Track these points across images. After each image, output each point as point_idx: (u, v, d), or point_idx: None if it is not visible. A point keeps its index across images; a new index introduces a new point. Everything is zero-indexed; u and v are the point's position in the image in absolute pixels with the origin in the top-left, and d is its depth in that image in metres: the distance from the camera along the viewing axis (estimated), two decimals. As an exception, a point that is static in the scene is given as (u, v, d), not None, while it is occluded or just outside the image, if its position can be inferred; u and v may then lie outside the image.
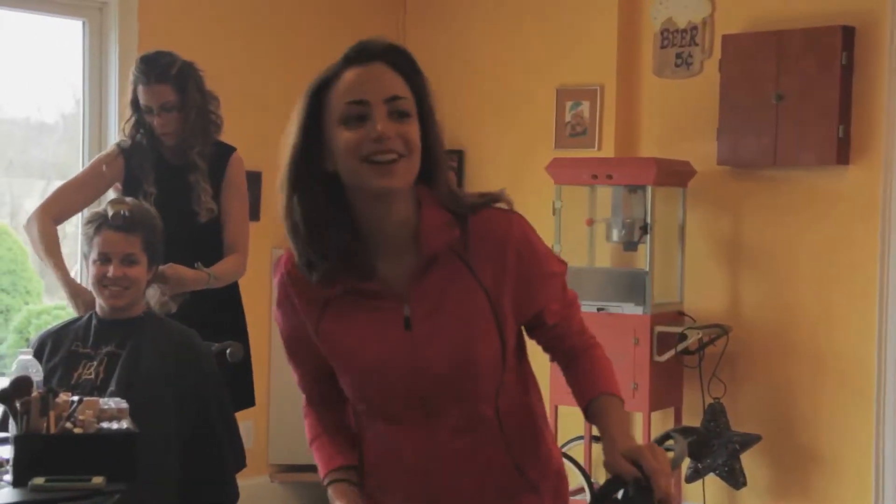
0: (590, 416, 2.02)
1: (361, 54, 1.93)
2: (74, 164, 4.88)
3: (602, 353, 2.10)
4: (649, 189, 4.82)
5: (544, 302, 2.03)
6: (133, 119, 3.82)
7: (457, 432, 1.98)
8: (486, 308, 1.96)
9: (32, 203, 4.78)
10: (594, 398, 2.01)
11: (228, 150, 3.90)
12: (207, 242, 3.79)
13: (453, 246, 1.96)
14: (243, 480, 3.35)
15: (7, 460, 2.60)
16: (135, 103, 3.80)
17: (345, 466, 2.06)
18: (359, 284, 1.95)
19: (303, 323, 2.01)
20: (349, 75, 1.91)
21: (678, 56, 5.15)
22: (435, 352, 1.95)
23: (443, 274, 1.96)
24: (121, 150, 3.86)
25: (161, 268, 3.36)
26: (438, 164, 1.97)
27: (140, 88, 3.76)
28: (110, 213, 3.18)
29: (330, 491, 2.05)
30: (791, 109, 4.73)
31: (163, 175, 3.79)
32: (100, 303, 3.21)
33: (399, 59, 1.94)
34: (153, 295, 3.37)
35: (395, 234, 1.95)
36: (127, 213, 3.18)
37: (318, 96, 1.93)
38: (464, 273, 1.96)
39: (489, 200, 2.01)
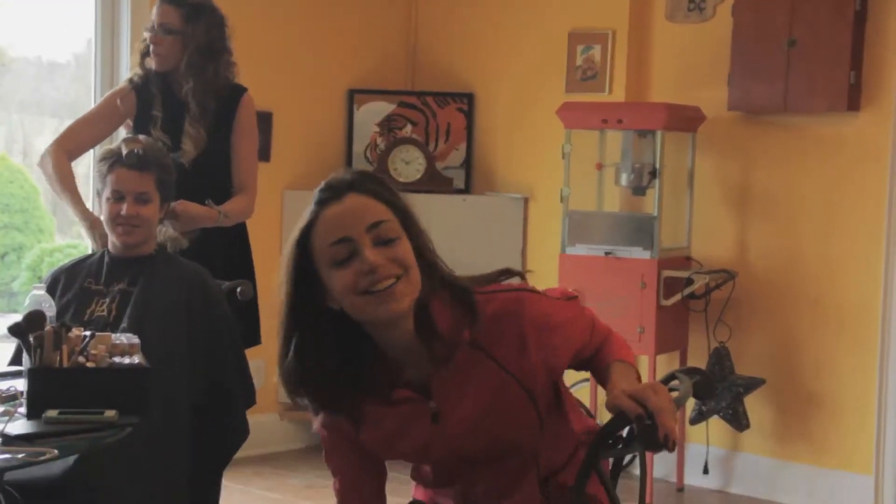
0: (602, 380, 2.06)
1: (332, 192, 1.92)
2: (86, 103, 4.88)
3: (617, 336, 2.14)
4: (659, 134, 4.82)
5: (574, 348, 2.07)
6: (147, 40, 3.83)
7: (496, 465, 2.07)
8: (513, 388, 2.00)
9: (44, 141, 4.79)
10: (607, 366, 2.05)
11: (239, 90, 3.89)
12: (194, 186, 3.66)
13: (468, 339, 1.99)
14: (253, 417, 3.39)
15: (21, 392, 2.64)
16: (151, 24, 3.81)
17: None
18: (387, 402, 2.00)
19: (343, 433, 2.06)
20: (326, 216, 1.91)
21: (691, 0, 5.12)
22: (468, 439, 2.01)
23: (463, 367, 1.99)
24: (133, 85, 3.86)
25: (172, 204, 3.37)
26: (434, 271, 1.97)
27: (155, 7, 3.78)
28: (124, 151, 3.20)
29: None
30: (803, 55, 4.71)
31: (168, 109, 3.79)
32: (112, 240, 3.23)
33: (371, 185, 1.94)
34: (164, 231, 3.39)
35: (412, 344, 1.97)
36: (140, 152, 3.20)
37: (304, 245, 1.93)
38: (484, 361, 1.99)
39: (497, 279, 2.05)
